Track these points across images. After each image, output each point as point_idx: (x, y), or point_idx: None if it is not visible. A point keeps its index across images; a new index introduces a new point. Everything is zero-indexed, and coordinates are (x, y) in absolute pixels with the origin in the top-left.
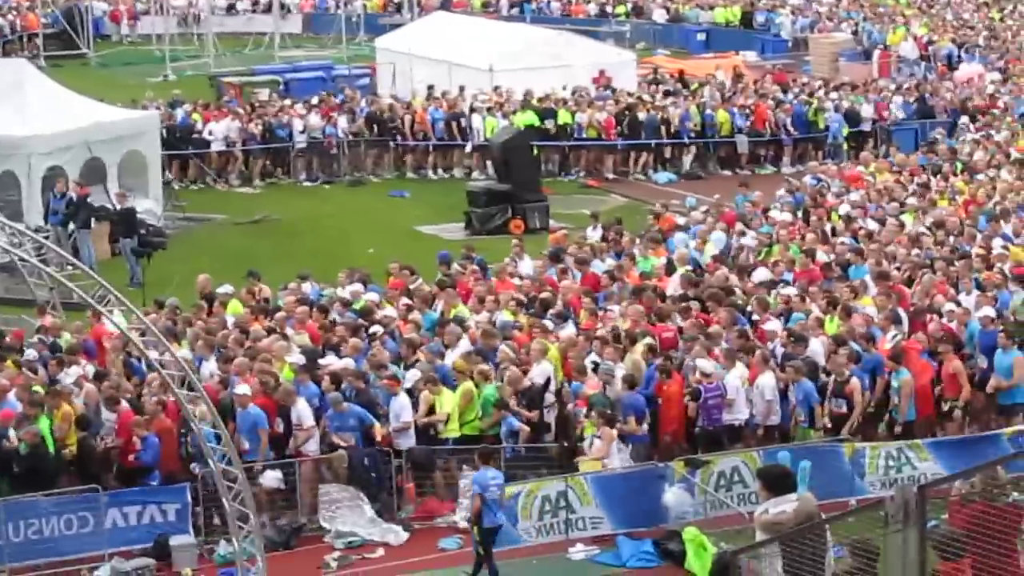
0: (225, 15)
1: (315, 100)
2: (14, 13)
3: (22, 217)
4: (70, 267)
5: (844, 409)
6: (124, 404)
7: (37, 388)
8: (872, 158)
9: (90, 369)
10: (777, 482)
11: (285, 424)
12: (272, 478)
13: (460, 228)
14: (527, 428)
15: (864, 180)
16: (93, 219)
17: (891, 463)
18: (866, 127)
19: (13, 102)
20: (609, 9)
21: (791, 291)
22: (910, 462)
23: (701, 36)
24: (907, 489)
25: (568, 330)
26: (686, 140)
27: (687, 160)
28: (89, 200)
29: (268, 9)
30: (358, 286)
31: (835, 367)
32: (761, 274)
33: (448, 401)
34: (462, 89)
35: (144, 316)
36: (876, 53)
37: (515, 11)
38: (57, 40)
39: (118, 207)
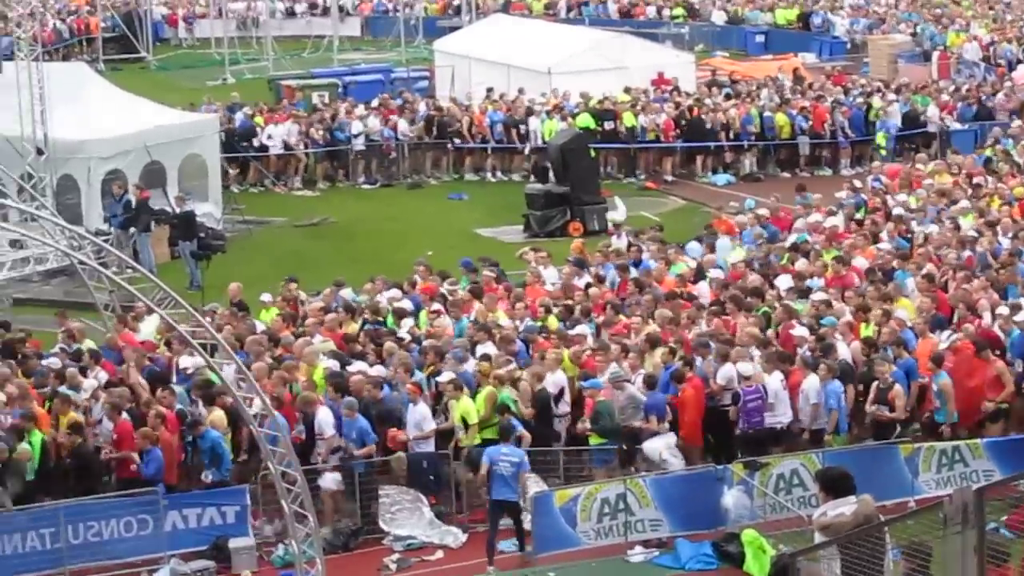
0: (284, 18)
1: (374, 103)
2: (73, 17)
3: (82, 221)
4: (130, 270)
5: (888, 415)
6: (124, 416)
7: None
8: (928, 159)
9: (103, 376)
10: (836, 484)
11: (308, 432)
12: (331, 480)
13: (519, 231)
14: (527, 435)
15: (922, 182)
16: (153, 222)
17: (944, 461)
18: (932, 128)
19: (72, 106)
20: (667, 11)
21: (821, 296)
22: (963, 460)
23: (760, 38)
24: (966, 491)
25: (583, 332)
26: (746, 143)
27: (747, 162)
28: (149, 203)
29: (327, 12)
30: (395, 291)
31: (879, 373)
32: (785, 281)
33: (468, 408)
34: (520, 91)
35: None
36: (935, 55)
37: (573, 13)
38: (116, 44)
39: (177, 210)
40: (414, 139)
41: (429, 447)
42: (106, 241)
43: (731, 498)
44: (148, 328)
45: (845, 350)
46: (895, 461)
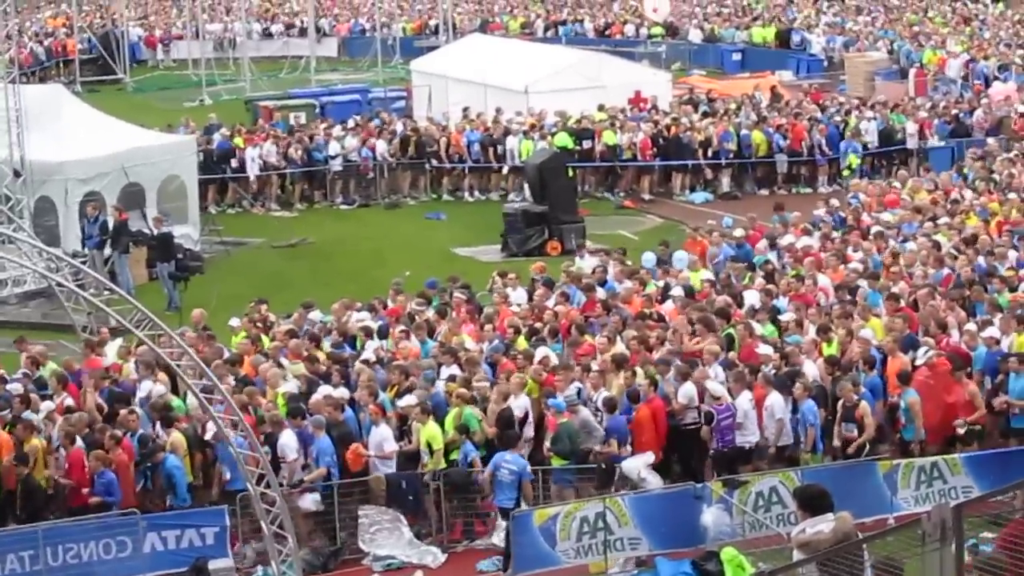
0: (261, 39)
1: (352, 123)
2: (51, 39)
3: (59, 242)
4: (107, 292)
5: (855, 433)
6: (79, 443)
7: None
8: (907, 176)
9: (68, 401)
10: (814, 502)
11: (272, 455)
12: (310, 501)
13: (496, 250)
14: (478, 459)
15: (900, 199)
16: (131, 244)
17: (923, 477)
18: (910, 145)
19: (50, 127)
20: (644, 30)
21: (790, 316)
22: (942, 476)
23: (736, 56)
24: (944, 508)
25: (547, 353)
26: (723, 161)
27: (725, 180)
28: (127, 225)
29: (304, 33)
30: (363, 313)
31: (843, 393)
32: (752, 297)
33: (434, 433)
34: (498, 111)
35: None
36: (912, 72)
37: (550, 33)
38: (93, 65)
39: (155, 232)
40: (392, 159)
41: (391, 468)
42: (83, 263)
43: (710, 516)
44: (112, 351)
45: (812, 369)
46: (873, 478)
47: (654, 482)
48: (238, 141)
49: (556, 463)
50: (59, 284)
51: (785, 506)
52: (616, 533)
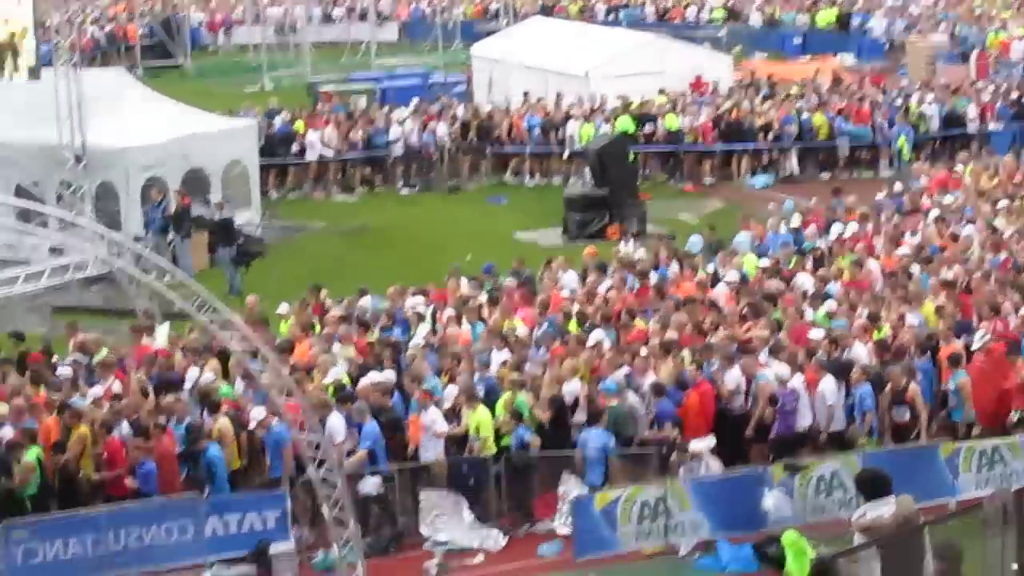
0: (321, 24)
1: (412, 107)
2: (112, 24)
3: (121, 227)
4: (169, 276)
5: (907, 418)
6: (117, 431)
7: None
8: (968, 159)
9: (116, 387)
10: (874, 485)
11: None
12: (372, 484)
13: (558, 234)
14: (537, 440)
15: (961, 183)
16: (192, 228)
17: (984, 460)
18: (972, 129)
19: (111, 113)
20: (705, 14)
21: (832, 306)
22: (1004, 460)
23: (797, 39)
24: (1005, 492)
25: (599, 338)
26: (787, 143)
27: (787, 164)
28: (189, 209)
29: (364, 17)
30: (418, 298)
31: (892, 377)
32: (804, 282)
33: (483, 419)
34: (558, 96)
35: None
36: (973, 55)
37: (611, 16)
38: (154, 51)
39: (217, 216)
40: (452, 144)
41: (439, 448)
42: (145, 247)
43: (771, 500)
44: (162, 336)
45: (862, 353)
46: (935, 462)
47: (715, 466)
48: (299, 126)
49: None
50: (121, 269)
51: (846, 490)
52: (677, 517)
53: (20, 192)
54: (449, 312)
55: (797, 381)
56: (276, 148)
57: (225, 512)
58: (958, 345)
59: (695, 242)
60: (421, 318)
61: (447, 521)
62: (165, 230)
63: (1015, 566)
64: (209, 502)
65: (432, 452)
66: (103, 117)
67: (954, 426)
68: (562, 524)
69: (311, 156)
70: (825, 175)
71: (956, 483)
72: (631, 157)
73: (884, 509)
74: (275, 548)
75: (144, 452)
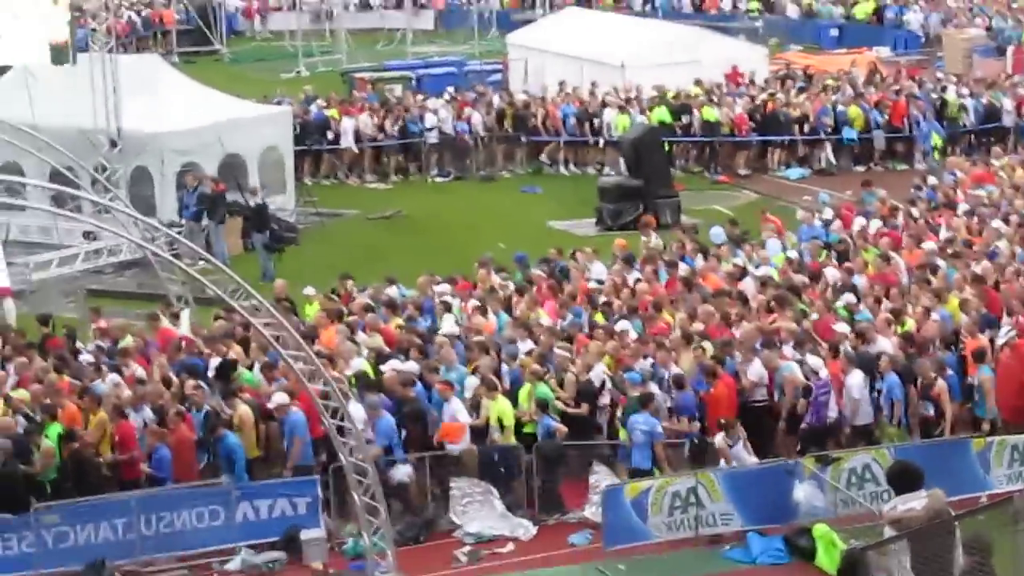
0: (358, 11)
1: (447, 96)
2: (148, 9)
3: (155, 212)
4: (202, 262)
5: (931, 412)
6: (132, 416)
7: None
8: (1002, 154)
9: (140, 373)
10: (906, 479)
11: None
12: (403, 472)
13: (591, 224)
14: (564, 428)
15: (996, 177)
16: (227, 214)
17: (1016, 456)
18: (1007, 122)
19: (146, 98)
20: (742, 4)
21: (851, 298)
22: None
23: (834, 31)
24: None
25: (625, 328)
26: (822, 136)
27: (822, 156)
28: (224, 195)
29: (400, 5)
30: (445, 287)
31: (922, 371)
32: (832, 275)
33: (505, 409)
34: (594, 85)
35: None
36: (1010, 49)
37: (647, 6)
38: (190, 36)
39: (251, 203)
40: (487, 132)
41: (464, 443)
42: (179, 233)
43: (802, 492)
44: (185, 323)
45: (886, 346)
46: (967, 456)
47: (748, 459)
48: (333, 112)
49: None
50: (154, 254)
51: (878, 483)
52: (708, 508)
53: (55, 177)
54: (473, 302)
55: (824, 374)
56: (311, 135)
57: (256, 498)
58: (983, 340)
59: (716, 234)
60: (448, 308)
61: (478, 510)
62: (199, 216)
63: None
64: (240, 488)
65: (457, 445)
66: (138, 102)
67: (978, 421)
68: (593, 514)
69: (346, 143)
70: (860, 168)
71: (988, 477)
72: (666, 148)
73: (915, 502)
74: (305, 534)
75: (159, 438)
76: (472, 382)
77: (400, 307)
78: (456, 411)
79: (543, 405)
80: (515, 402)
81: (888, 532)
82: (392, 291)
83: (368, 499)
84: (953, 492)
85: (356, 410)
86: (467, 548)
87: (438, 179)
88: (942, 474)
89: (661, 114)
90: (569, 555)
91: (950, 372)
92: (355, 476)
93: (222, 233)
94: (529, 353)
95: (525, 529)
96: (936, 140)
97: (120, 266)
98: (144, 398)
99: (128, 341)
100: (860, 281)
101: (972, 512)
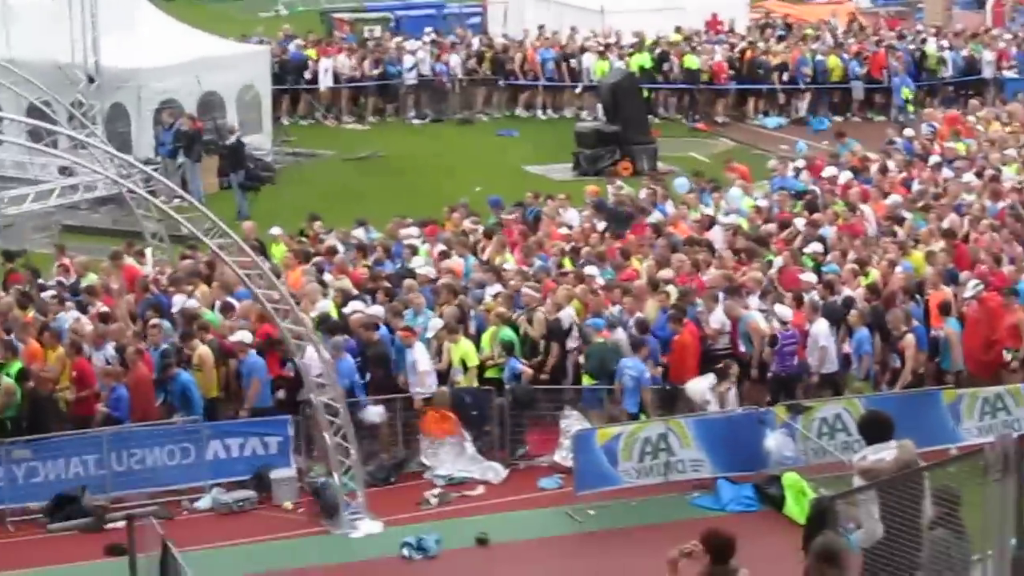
0: None
1: (426, 38)
2: None
3: (131, 149)
4: (178, 199)
5: (897, 364)
6: (94, 355)
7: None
8: (979, 107)
9: (105, 310)
10: (876, 429)
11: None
12: (374, 413)
13: (568, 168)
14: (529, 371)
15: (974, 130)
16: (203, 152)
17: (987, 408)
18: (987, 75)
19: (125, 34)
20: None
21: (818, 247)
22: (1007, 408)
23: None
24: (1007, 438)
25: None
26: (800, 85)
27: (801, 105)
28: (200, 133)
29: None
30: (412, 230)
31: (893, 322)
32: (799, 226)
33: (468, 351)
34: (573, 30)
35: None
36: (990, 2)
37: None
38: None
39: (227, 141)
40: (465, 75)
41: (431, 388)
42: (155, 170)
43: (773, 441)
44: (150, 261)
45: (852, 296)
46: (938, 407)
47: (717, 406)
48: (312, 53)
49: (587, 382)
50: (130, 191)
51: (849, 433)
52: (678, 455)
53: (31, 112)
54: (440, 246)
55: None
56: (289, 74)
57: (227, 436)
58: (947, 292)
59: (681, 184)
60: (414, 251)
61: (448, 452)
62: (175, 153)
63: None
64: (211, 426)
65: (424, 391)
66: (117, 38)
67: (942, 374)
68: (563, 458)
69: (324, 83)
70: (838, 118)
71: (958, 429)
72: (645, 94)
73: (885, 453)
74: (276, 474)
75: (115, 377)
76: (435, 324)
77: (369, 249)
78: (418, 358)
79: (509, 347)
80: (479, 346)
81: (857, 482)
82: (360, 233)
83: (339, 439)
84: (923, 443)
85: (311, 353)
86: (437, 490)
87: (415, 121)
88: (913, 425)
89: (642, 60)
90: (539, 499)
91: (916, 324)
92: (326, 416)
93: (198, 171)
94: (496, 296)
95: (495, 472)
96: (906, 93)
97: (95, 202)
98: (106, 336)
99: (92, 279)
100: (828, 232)
101: (942, 463)
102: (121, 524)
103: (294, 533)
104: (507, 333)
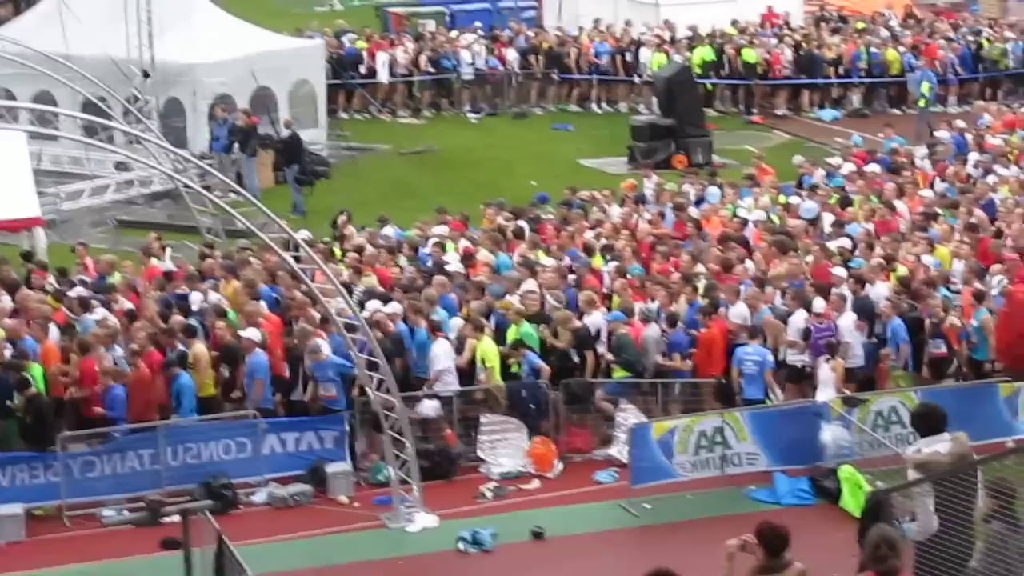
0: None
1: (481, 32)
2: None
3: (187, 144)
4: (233, 194)
5: (943, 349)
6: (98, 353)
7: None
8: None
9: (129, 307)
10: (930, 422)
11: (292, 368)
12: (430, 407)
13: (623, 162)
14: (547, 368)
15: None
16: (258, 147)
17: None
18: None
19: (180, 30)
20: None
21: (845, 243)
22: None
23: None
24: None
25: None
26: (855, 79)
27: (855, 98)
28: (256, 128)
29: None
30: (443, 228)
31: (933, 309)
32: (827, 220)
33: (488, 350)
34: (627, 23)
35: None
36: None
37: None
38: None
39: (282, 135)
40: (522, 69)
41: (453, 384)
42: (210, 165)
43: (829, 434)
44: (168, 259)
45: (882, 290)
46: (994, 401)
47: (775, 398)
48: (361, 44)
49: (617, 374)
50: (185, 186)
51: (904, 426)
52: (734, 448)
53: (87, 107)
54: (464, 242)
55: (798, 315)
56: (344, 69)
57: (283, 431)
58: (979, 285)
59: (713, 193)
60: (443, 248)
61: (505, 446)
62: (230, 148)
63: None
64: (268, 421)
65: (446, 388)
66: (172, 34)
67: (978, 365)
68: (618, 452)
69: (380, 77)
70: (895, 111)
71: (1015, 422)
72: (708, 87)
73: (939, 445)
74: (331, 468)
75: (113, 377)
76: (457, 322)
77: (397, 248)
78: (436, 354)
79: (517, 344)
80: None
81: (912, 474)
82: (388, 231)
83: (395, 433)
84: (979, 436)
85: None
86: (493, 484)
87: (470, 115)
88: (969, 418)
89: (705, 53)
90: (594, 493)
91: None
92: (383, 410)
93: (253, 166)
94: (528, 293)
95: (551, 466)
96: (925, 88)
97: (151, 197)
98: (116, 336)
99: (116, 277)
100: (855, 229)
101: (997, 456)
102: (176, 519)
103: (350, 527)
104: (525, 329)
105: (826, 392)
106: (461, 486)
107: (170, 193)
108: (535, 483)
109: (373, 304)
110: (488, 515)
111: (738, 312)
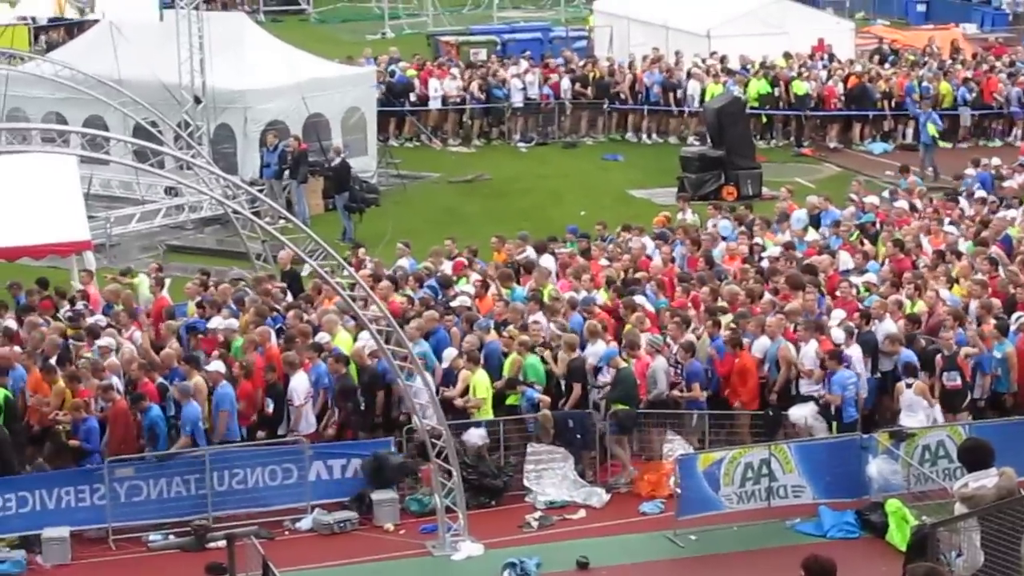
0: None
1: (532, 61)
2: None
3: (237, 170)
4: (283, 220)
5: (958, 381)
6: (90, 383)
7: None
8: None
9: (137, 336)
10: (977, 456)
11: (276, 403)
12: (477, 436)
13: (672, 193)
14: (547, 399)
15: None
16: (309, 174)
17: None
18: None
19: (231, 56)
20: None
21: (871, 278)
22: None
23: (921, 7)
24: None
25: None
26: (908, 112)
27: (907, 132)
28: (306, 154)
29: None
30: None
31: (944, 342)
32: (844, 259)
33: (479, 381)
34: (678, 54)
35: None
36: None
37: None
38: None
39: (333, 162)
40: (571, 99)
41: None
42: (260, 191)
43: (876, 467)
44: (166, 288)
45: (890, 327)
46: None
47: (821, 429)
48: (410, 72)
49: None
50: (235, 211)
51: (952, 460)
52: (780, 480)
53: (138, 132)
54: (475, 276)
55: (810, 347)
56: (395, 97)
57: (329, 457)
58: (993, 323)
59: (725, 227)
60: (447, 281)
61: (551, 476)
62: (281, 174)
63: None
64: (313, 447)
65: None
66: (224, 60)
67: (999, 397)
68: (671, 484)
69: (433, 105)
70: (946, 144)
71: None
72: (764, 119)
73: (986, 480)
74: (377, 495)
75: (80, 410)
76: (451, 353)
77: (401, 280)
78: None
79: (514, 383)
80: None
81: (959, 509)
82: (404, 262)
83: (441, 461)
84: None
85: (299, 380)
86: (538, 513)
87: (521, 144)
88: (1017, 453)
89: (761, 86)
90: (640, 523)
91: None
92: (430, 439)
93: (303, 192)
94: (530, 324)
95: (598, 497)
96: (932, 130)
97: (200, 223)
98: (108, 368)
99: (120, 307)
100: (878, 266)
101: None
102: (222, 544)
103: (395, 555)
104: (531, 360)
105: (914, 417)
106: (507, 514)
107: (220, 219)
108: (581, 513)
109: (364, 336)
110: (533, 544)
111: (760, 346)
